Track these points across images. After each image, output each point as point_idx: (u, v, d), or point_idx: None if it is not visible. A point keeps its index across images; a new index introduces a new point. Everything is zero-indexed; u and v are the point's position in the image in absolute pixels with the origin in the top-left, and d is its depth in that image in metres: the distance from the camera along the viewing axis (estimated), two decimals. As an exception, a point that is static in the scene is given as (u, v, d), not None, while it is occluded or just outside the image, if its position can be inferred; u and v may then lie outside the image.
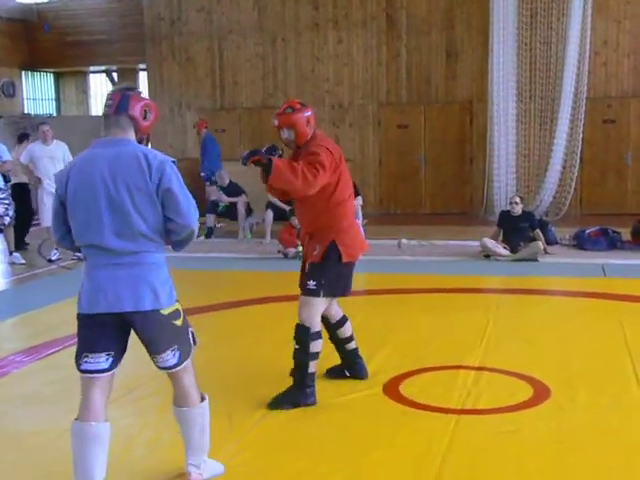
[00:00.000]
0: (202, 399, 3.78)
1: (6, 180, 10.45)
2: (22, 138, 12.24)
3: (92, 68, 17.29)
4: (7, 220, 10.22)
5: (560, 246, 10.50)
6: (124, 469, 3.93)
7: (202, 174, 13.06)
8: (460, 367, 5.36)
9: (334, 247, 4.67)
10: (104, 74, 17.44)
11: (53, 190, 10.70)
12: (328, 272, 4.67)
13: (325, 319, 4.90)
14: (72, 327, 6.62)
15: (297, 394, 4.68)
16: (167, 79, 15.07)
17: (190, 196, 3.43)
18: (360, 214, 11.41)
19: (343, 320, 5.04)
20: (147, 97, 3.61)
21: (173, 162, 3.43)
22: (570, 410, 4.56)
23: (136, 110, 3.41)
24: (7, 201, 10.21)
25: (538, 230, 9.91)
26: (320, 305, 4.71)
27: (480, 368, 5.34)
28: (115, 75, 17.33)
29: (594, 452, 3.99)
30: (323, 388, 5.06)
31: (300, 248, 10.15)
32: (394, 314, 7.04)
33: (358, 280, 9.11)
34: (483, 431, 4.26)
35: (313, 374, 4.71)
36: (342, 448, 4.11)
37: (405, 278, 8.66)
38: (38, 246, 11.10)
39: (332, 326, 5.02)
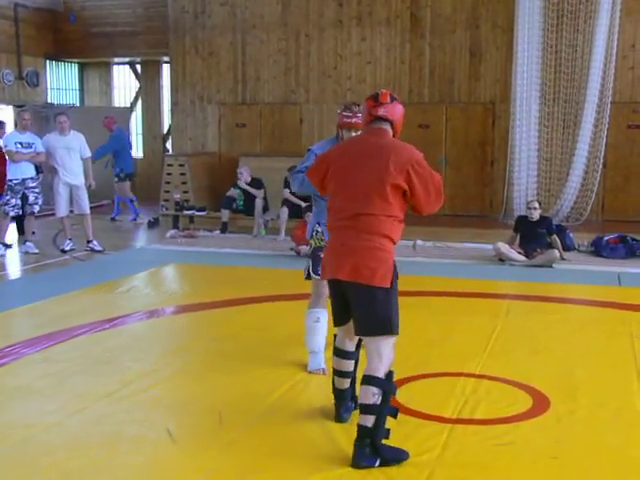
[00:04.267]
0: (317, 307, 5.21)
1: (38, 171, 10.49)
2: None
3: (116, 59, 17.25)
4: (36, 208, 10.28)
5: (577, 252, 10.34)
6: (108, 465, 3.89)
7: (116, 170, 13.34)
8: (461, 374, 5.26)
9: None
10: (128, 66, 17.43)
11: (69, 180, 10.77)
12: None
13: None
14: (76, 319, 6.70)
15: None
16: (189, 72, 15.03)
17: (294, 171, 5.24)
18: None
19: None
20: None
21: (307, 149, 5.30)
22: (568, 423, 4.45)
23: None
24: (37, 190, 10.25)
25: (555, 236, 9.76)
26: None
27: (481, 376, 5.24)
28: (139, 67, 17.32)
29: (589, 468, 3.88)
30: (319, 390, 5.01)
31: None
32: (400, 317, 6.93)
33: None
34: (476, 442, 4.16)
35: (335, 389, 4.44)
36: (329, 453, 4.02)
37: (417, 280, 8.51)
38: (53, 236, 11.13)
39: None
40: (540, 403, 4.74)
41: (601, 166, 12.77)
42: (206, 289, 8.26)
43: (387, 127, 4.03)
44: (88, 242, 10.39)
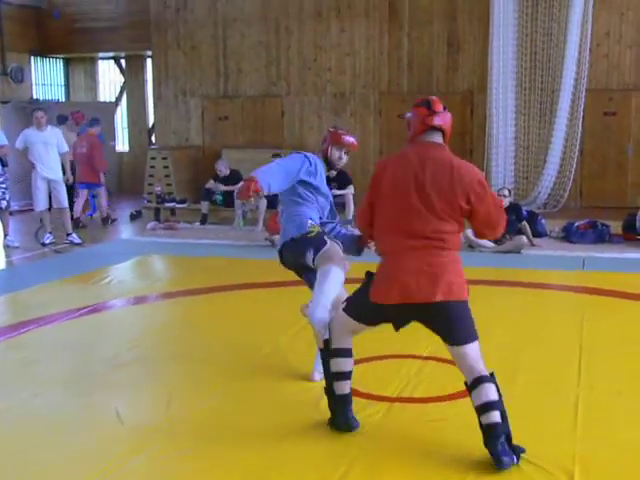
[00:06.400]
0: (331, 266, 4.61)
1: (3, 164, 10.66)
2: (61, 120, 12.51)
3: (100, 55, 17.42)
4: (3, 204, 10.46)
5: (549, 238, 10.51)
6: (55, 444, 4.07)
7: None
8: (409, 356, 5.44)
9: (374, 273, 4.03)
10: (112, 60, 17.58)
11: (46, 175, 10.89)
12: (362, 291, 4.05)
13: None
14: (48, 309, 6.87)
15: (331, 415, 4.24)
16: (172, 66, 15.18)
17: (276, 169, 4.67)
18: (351, 204, 11.49)
19: (478, 380, 3.90)
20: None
21: (304, 155, 4.87)
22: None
23: None
24: (4, 185, 10.44)
25: (525, 223, 9.93)
26: (341, 317, 4.12)
27: (428, 358, 5.42)
28: (123, 62, 17.47)
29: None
30: (266, 372, 5.19)
31: (286, 236, 10.30)
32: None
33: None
34: (410, 419, 4.36)
35: (345, 397, 4.17)
36: (263, 434, 4.22)
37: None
38: (35, 230, 11.30)
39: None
40: (480, 383, 4.91)
41: (577, 153, 12.94)
42: (179, 278, 8.47)
43: (440, 139, 3.90)
44: (67, 235, 10.57)
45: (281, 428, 4.28)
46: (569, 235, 10.29)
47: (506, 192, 10.15)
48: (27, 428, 4.29)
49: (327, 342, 4.17)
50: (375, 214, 3.97)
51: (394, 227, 3.84)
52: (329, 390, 4.20)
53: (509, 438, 3.77)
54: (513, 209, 10.00)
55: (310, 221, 4.98)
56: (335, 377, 4.16)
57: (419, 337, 5.77)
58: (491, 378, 3.87)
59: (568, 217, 11.55)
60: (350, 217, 11.47)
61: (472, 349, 3.89)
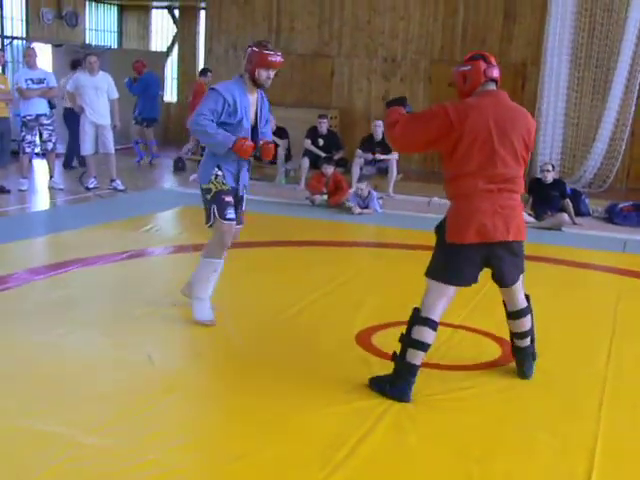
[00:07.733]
0: (220, 258, 5.15)
1: (51, 106, 10.80)
2: (76, 65, 12.59)
3: (154, 4, 17.45)
4: (50, 146, 10.61)
5: (591, 218, 10.38)
6: (87, 378, 4.20)
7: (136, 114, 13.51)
8: (440, 324, 5.43)
9: (445, 222, 4.15)
10: (166, 10, 17.59)
11: (95, 120, 11.00)
12: (438, 251, 4.21)
13: (505, 305, 4.51)
14: (86, 251, 7.01)
15: (387, 381, 4.20)
16: (225, 20, 15.17)
17: (198, 110, 4.89)
18: (394, 170, 11.42)
19: (520, 313, 4.46)
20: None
21: (211, 88, 5.01)
22: (528, 374, 4.63)
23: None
24: (51, 127, 10.59)
25: (568, 200, 9.81)
26: (433, 289, 4.16)
27: (459, 327, 5.43)
28: (176, 12, 17.47)
29: (532, 412, 4.09)
30: (298, 327, 5.25)
31: (326, 196, 10.32)
32: (399, 268, 7.14)
33: (379, 233, 9.27)
34: (435, 385, 4.38)
35: (412, 366, 4.14)
36: (287, 382, 4.30)
37: (428, 235, 8.68)
38: (80, 174, 11.47)
39: (507, 315, 4.52)
40: (508, 355, 4.91)
41: (628, 134, 12.70)
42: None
43: (495, 89, 4.17)
44: (111, 181, 10.72)
45: (307, 379, 4.36)
46: (612, 216, 10.15)
47: (549, 167, 10.02)
48: (60, 364, 4.41)
49: (417, 309, 4.21)
50: (451, 159, 4.06)
51: (476, 172, 4.02)
52: (401, 354, 4.19)
53: (534, 355, 4.56)
54: (557, 185, 9.90)
55: (217, 171, 5.04)
56: (413, 345, 4.15)
57: (453, 306, 5.86)
58: (529, 309, 4.52)
59: (613, 198, 11.39)
60: (392, 184, 11.43)
61: (521, 283, 4.41)
